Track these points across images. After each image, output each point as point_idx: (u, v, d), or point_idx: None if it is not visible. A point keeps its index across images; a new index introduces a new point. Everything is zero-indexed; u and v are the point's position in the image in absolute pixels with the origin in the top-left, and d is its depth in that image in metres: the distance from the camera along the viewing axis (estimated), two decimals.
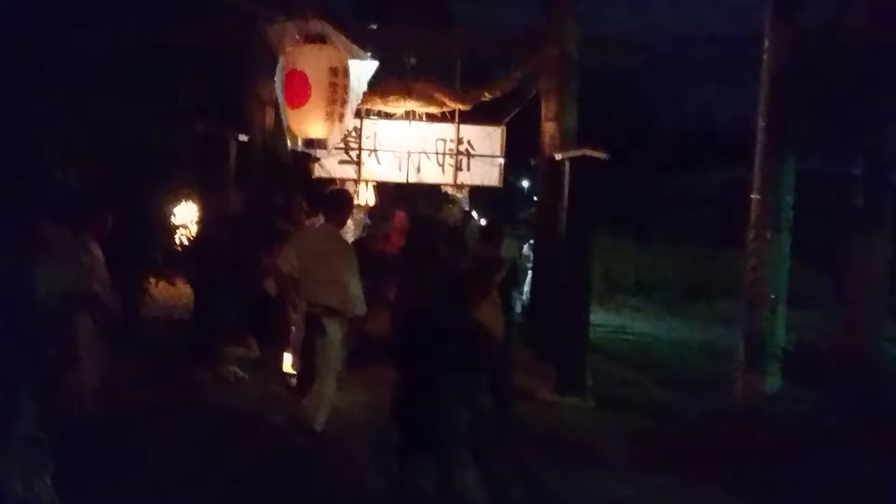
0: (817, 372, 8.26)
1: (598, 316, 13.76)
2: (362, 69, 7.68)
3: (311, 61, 7.08)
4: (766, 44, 8.41)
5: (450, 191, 9.97)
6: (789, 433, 7.35)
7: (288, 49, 7.29)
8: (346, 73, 7.24)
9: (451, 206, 9.66)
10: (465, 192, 10.08)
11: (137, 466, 5.93)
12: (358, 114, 9.25)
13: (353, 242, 8.89)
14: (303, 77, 7.09)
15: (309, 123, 7.22)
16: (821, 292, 15.04)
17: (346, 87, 7.24)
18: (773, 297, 8.23)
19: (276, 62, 8.97)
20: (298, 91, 7.08)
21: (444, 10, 13.74)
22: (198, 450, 6.34)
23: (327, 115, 7.18)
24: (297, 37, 7.22)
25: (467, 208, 10.50)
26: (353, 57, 7.50)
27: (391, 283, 8.07)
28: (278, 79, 7.44)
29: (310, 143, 7.40)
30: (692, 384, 9.62)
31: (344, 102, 7.31)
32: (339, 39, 7.33)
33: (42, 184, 8.02)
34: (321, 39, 7.13)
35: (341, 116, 7.40)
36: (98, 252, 6.20)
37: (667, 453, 6.97)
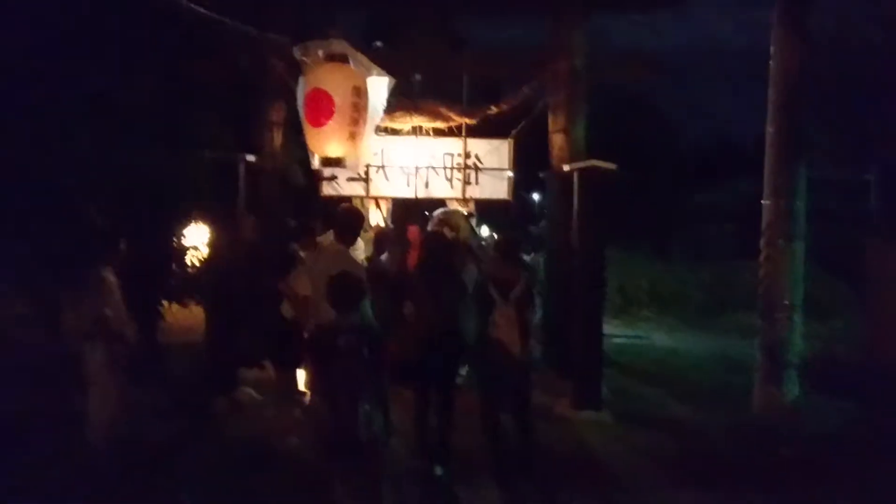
0: (837, 381, 8.15)
1: (614, 330, 13.73)
2: (381, 88, 7.71)
3: (334, 80, 7.07)
4: (773, 51, 8.37)
5: (455, 205, 9.93)
6: (811, 446, 7.24)
7: (310, 68, 7.32)
8: (366, 93, 7.29)
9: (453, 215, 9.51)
10: (471, 205, 10.05)
11: (153, 494, 5.95)
12: None
13: (371, 268, 8.89)
14: (327, 96, 7.06)
15: (330, 142, 7.20)
16: (841, 299, 14.92)
17: (366, 107, 7.28)
18: (786, 304, 8.12)
19: (284, 87, 9.08)
20: (322, 110, 7.08)
21: (453, 31, 13.76)
22: (213, 476, 6.35)
23: (350, 134, 7.19)
24: (319, 56, 7.25)
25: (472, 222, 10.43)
26: (372, 76, 7.54)
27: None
28: (300, 97, 7.47)
29: (328, 161, 7.42)
30: (710, 397, 9.51)
31: (364, 122, 7.34)
32: (360, 59, 7.35)
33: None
34: (342, 59, 7.16)
35: (362, 136, 7.43)
36: (112, 279, 6.25)
37: (687, 468, 6.88)
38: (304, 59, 7.40)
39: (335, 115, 7.01)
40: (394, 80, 7.76)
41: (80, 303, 6.31)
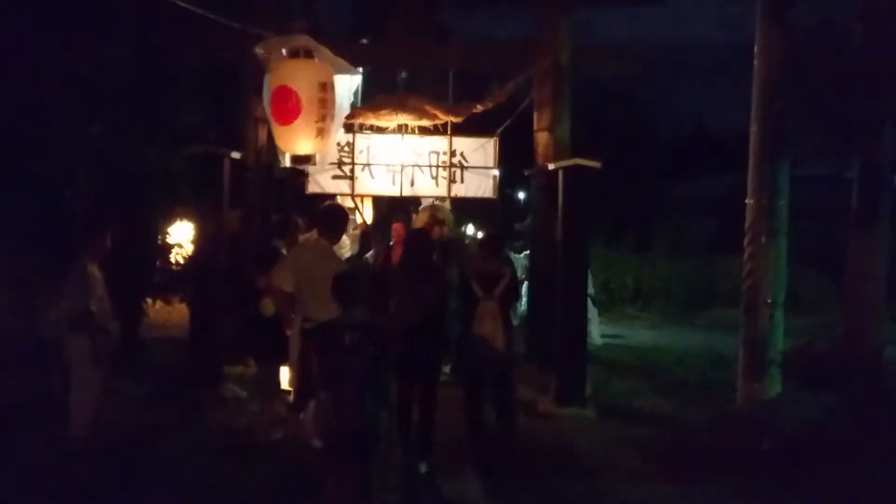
0: (818, 375, 8.21)
1: (600, 328, 13.72)
2: (348, 83, 7.65)
3: (300, 77, 7.00)
4: (757, 48, 8.41)
5: (436, 202, 9.93)
6: (792, 438, 7.29)
7: (274, 65, 7.25)
8: (332, 88, 7.22)
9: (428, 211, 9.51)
10: (448, 202, 10.04)
11: (136, 488, 5.93)
12: (350, 129, 9.29)
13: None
14: (293, 93, 7.01)
15: (299, 140, 7.15)
16: (823, 294, 15.04)
17: (333, 102, 7.21)
18: (769, 301, 8.19)
19: None
20: (289, 107, 7.01)
21: (438, 25, 13.77)
22: (196, 470, 6.34)
23: (318, 131, 7.12)
24: (283, 52, 7.19)
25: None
26: (339, 71, 7.48)
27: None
28: (266, 95, 7.40)
29: (297, 159, 7.37)
30: (693, 392, 9.58)
31: (332, 117, 7.27)
32: (325, 54, 7.30)
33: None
34: (307, 54, 7.08)
35: (330, 132, 7.37)
36: (97, 273, 6.22)
37: (670, 462, 6.93)
38: (267, 56, 7.36)
39: (302, 113, 6.98)
40: (359, 75, 7.73)
41: (65, 296, 6.29)
